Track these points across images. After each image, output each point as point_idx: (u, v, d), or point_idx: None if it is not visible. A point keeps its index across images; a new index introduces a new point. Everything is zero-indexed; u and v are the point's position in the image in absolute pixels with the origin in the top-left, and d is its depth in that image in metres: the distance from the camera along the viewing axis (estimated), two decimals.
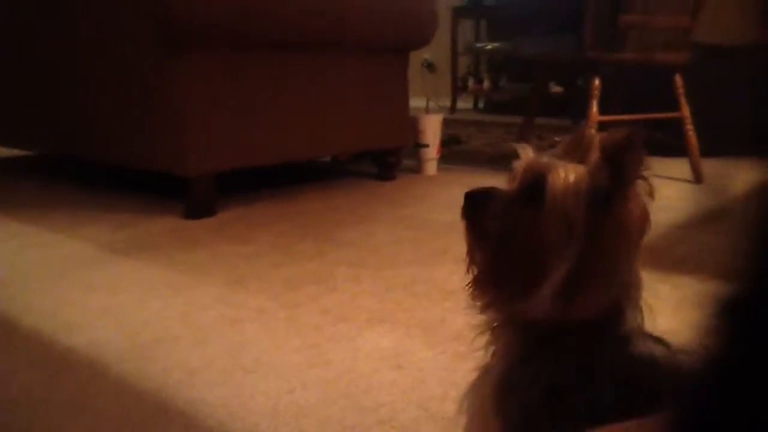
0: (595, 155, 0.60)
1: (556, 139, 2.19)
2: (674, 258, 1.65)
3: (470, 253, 0.65)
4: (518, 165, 0.64)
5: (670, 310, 1.32)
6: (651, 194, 0.60)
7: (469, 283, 0.65)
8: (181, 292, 1.49)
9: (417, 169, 2.86)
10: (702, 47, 3.08)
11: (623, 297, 0.61)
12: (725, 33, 3.68)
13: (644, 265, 1.61)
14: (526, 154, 0.64)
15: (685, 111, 2.53)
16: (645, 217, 0.60)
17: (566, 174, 0.59)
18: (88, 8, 2.31)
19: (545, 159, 0.62)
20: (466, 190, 0.64)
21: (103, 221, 2.11)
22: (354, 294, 1.46)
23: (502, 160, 3.08)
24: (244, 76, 2.20)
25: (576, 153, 0.63)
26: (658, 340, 0.64)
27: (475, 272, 0.65)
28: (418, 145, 2.81)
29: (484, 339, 0.67)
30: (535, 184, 0.60)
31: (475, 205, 0.63)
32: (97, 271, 1.65)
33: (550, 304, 0.58)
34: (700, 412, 0.35)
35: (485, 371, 0.67)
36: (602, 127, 2.49)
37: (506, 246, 0.62)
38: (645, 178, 0.59)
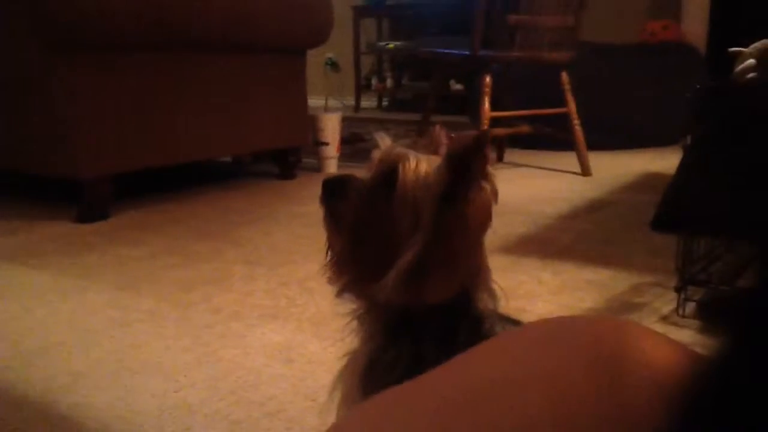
0: (443, 153, 0.63)
1: (453, 135, 2.23)
2: (558, 246, 1.74)
3: (329, 238, 0.68)
4: (374, 154, 0.67)
5: (550, 295, 1.39)
6: (494, 194, 0.63)
7: (325, 266, 0.67)
8: (69, 297, 1.45)
9: (318, 167, 2.88)
10: (588, 46, 3.24)
11: (471, 283, 0.65)
12: (609, 32, 3.87)
13: (529, 253, 1.69)
14: (384, 143, 0.67)
15: (572, 107, 2.65)
16: (487, 214, 0.63)
17: (417, 165, 0.62)
18: None
19: (400, 149, 0.65)
20: (324, 178, 0.66)
21: None
22: (248, 292, 1.46)
23: None
24: (134, 77, 2.16)
25: (429, 149, 0.66)
26: (513, 321, 0.68)
27: (332, 256, 0.67)
28: (318, 144, 2.83)
29: (351, 326, 0.70)
30: (387, 172, 0.63)
31: (332, 192, 0.66)
32: None
33: (397, 289, 0.62)
34: (701, 417, 0.35)
35: (352, 358, 0.69)
36: (494, 122, 2.58)
37: (359, 231, 0.65)
38: (489, 179, 0.62)
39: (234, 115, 2.47)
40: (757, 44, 1.19)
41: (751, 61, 1.17)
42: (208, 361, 1.14)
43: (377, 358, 0.67)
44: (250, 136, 2.56)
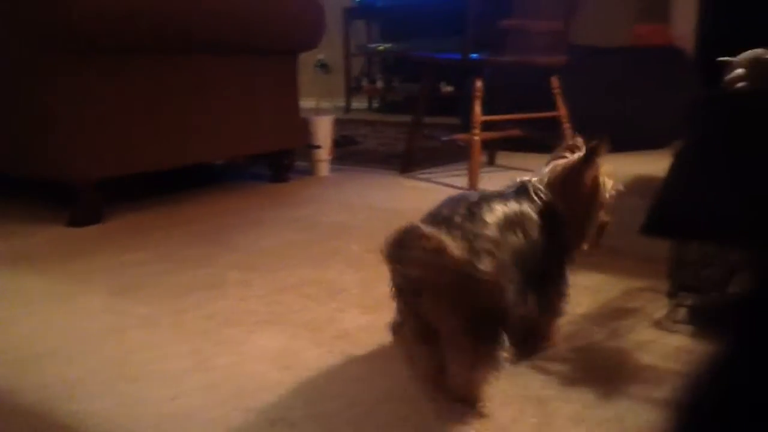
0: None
1: (444, 138, 2.28)
2: None
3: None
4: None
5: None
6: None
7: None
8: (62, 303, 1.45)
9: (310, 170, 2.88)
10: (579, 49, 3.26)
11: None
12: (601, 36, 3.90)
13: None
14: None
15: (563, 110, 2.67)
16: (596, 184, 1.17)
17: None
18: None
19: None
20: None
21: None
22: (243, 298, 1.46)
23: (394, 160, 3.14)
24: (129, 81, 2.16)
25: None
26: None
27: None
28: (311, 147, 2.83)
29: None
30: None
31: None
32: None
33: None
34: (703, 412, 0.35)
35: None
36: (485, 126, 2.59)
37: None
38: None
39: (228, 118, 2.47)
40: (746, 54, 1.20)
41: (740, 70, 1.19)
42: (205, 368, 1.14)
43: None
44: (244, 140, 2.56)
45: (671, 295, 1.30)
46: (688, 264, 1.33)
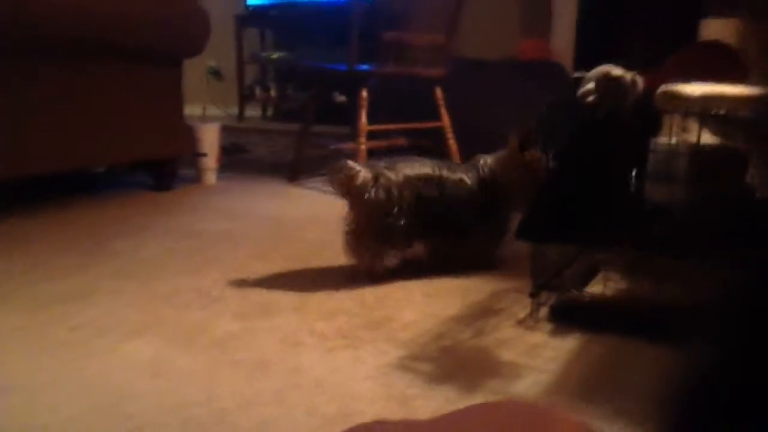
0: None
1: (332, 147, 2.34)
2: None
3: None
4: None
5: (418, 304, 1.45)
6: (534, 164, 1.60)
7: None
8: None
9: (196, 178, 2.84)
10: (465, 62, 3.38)
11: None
12: (487, 49, 4.04)
13: (404, 265, 1.72)
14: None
15: (445, 120, 2.76)
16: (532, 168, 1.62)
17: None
18: None
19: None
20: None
21: None
22: (115, 307, 1.43)
23: (283, 168, 3.14)
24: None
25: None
26: None
27: None
28: (197, 155, 2.79)
29: None
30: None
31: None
32: None
33: None
34: (700, 411, 0.35)
35: None
36: (372, 135, 2.64)
37: None
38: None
39: (107, 124, 2.40)
40: (596, 70, 1.30)
41: (591, 84, 1.28)
42: (71, 380, 1.11)
43: None
44: (124, 147, 2.50)
45: (533, 295, 1.38)
46: (548, 265, 1.42)
